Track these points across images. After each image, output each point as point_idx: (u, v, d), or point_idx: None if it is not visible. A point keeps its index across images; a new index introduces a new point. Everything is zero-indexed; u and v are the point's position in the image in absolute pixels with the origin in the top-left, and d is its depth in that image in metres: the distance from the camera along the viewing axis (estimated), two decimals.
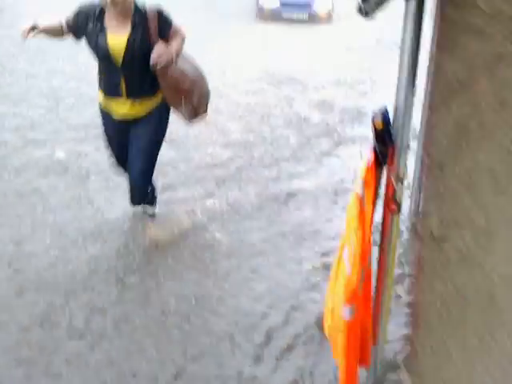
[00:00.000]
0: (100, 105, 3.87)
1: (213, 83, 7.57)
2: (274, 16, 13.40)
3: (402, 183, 2.37)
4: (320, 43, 11.31)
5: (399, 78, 2.17)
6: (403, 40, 2.08)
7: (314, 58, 9.85)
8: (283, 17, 13.39)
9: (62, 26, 3.65)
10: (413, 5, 1.99)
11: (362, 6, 1.43)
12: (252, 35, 11.84)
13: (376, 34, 11.90)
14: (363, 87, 8.26)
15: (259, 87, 8.08)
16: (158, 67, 3.51)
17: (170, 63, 3.55)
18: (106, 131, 3.95)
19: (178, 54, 3.63)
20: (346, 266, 2.20)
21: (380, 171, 2.28)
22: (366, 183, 2.18)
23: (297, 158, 5.67)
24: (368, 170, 2.21)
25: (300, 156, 5.71)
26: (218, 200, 4.67)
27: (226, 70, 8.76)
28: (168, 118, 3.91)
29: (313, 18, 13.48)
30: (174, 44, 3.62)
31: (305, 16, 13.48)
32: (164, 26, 3.63)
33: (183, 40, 3.71)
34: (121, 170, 4.10)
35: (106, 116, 3.87)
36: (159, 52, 3.50)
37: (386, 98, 7.13)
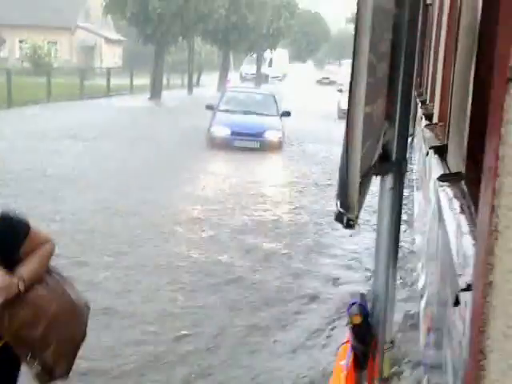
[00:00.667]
0: None
1: (155, 222, 7.13)
2: (225, 144, 13.48)
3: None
4: (271, 178, 11.05)
5: (377, 260, 1.80)
6: (380, 219, 1.73)
7: (266, 200, 9.10)
8: (235, 145, 13.48)
9: None
10: (390, 180, 1.67)
11: (345, 214, 1.05)
12: (202, 165, 11.66)
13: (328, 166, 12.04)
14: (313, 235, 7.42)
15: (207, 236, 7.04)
16: None
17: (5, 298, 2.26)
18: None
19: (32, 281, 2.33)
20: None
21: (362, 374, 1.84)
22: None
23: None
24: (348, 376, 1.75)
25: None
26: None
27: (171, 207, 8.18)
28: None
29: (264, 146, 13.62)
30: (25, 268, 2.32)
31: (256, 144, 13.62)
32: (7, 241, 2.33)
33: (45, 257, 2.42)
34: None
35: None
36: None
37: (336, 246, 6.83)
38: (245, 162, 12.03)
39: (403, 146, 1.70)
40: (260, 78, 42.50)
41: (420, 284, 5.14)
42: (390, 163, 1.66)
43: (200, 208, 8.26)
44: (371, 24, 1.11)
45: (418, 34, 1.69)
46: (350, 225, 1.08)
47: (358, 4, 1.07)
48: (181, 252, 6.31)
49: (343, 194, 1.08)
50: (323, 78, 50.24)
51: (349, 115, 1.06)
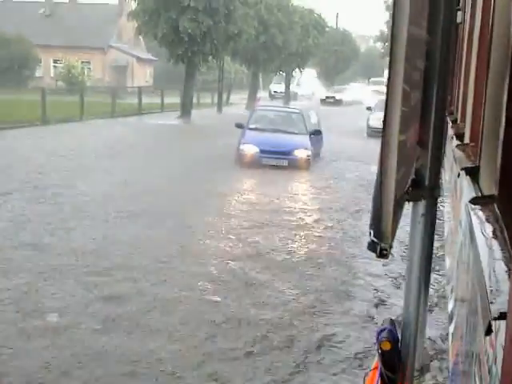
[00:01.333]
0: None
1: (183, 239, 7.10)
2: (254, 162, 13.55)
3: None
4: (302, 201, 10.60)
5: (408, 287, 1.78)
6: (411, 245, 1.72)
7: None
8: (263, 163, 13.54)
9: None
10: (422, 206, 1.66)
11: (379, 244, 1.06)
12: (228, 185, 11.58)
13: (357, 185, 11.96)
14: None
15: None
16: None
17: None
18: None
19: None
20: None
21: None
22: None
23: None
24: None
25: None
26: None
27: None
28: None
29: (292, 164, 13.66)
30: None
31: (285, 162, 13.65)
32: None
33: None
34: None
35: None
36: None
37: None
38: (273, 182, 12.00)
39: (436, 172, 1.69)
40: (289, 97, 42.70)
41: (450, 307, 5.04)
42: (423, 189, 1.65)
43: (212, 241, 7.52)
44: (405, 54, 1.12)
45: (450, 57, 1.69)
46: (383, 254, 1.08)
47: (392, 35, 1.08)
48: None
49: (377, 222, 1.08)
50: (327, 98, 47.45)
51: (383, 144, 1.07)
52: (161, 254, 6.65)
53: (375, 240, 1.07)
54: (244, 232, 7.93)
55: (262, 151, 13.66)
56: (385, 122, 1.04)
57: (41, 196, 9.49)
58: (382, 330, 1.77)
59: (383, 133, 1.05)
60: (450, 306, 5.04)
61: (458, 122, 7.24)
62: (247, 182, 12.41)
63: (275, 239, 7.69)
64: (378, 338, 1.76)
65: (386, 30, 49.82)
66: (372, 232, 1.08)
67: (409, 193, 1.57)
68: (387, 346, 1.74)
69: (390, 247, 1.09)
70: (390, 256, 1.15)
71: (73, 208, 8.76)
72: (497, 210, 2.77)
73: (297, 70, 42.52)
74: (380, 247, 1.07)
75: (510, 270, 1.80)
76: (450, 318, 4.74)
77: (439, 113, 1.62)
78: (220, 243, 7.35)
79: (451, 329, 4.48)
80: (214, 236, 7.68)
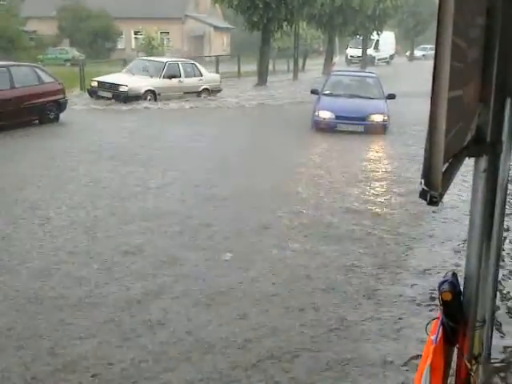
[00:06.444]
0: None
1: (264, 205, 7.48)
2: (329, 128, 13.50)
3: (478, 362, 1.96)
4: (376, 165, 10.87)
5: (469, 241, 1.84)
6: (473, 200, 1.77)
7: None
8: (339, 129, 13.47)
9: None
10: (484, 162, 1.70)
11: (429, 192, 1.14)
12: (305, 146, 12.04)
13: None
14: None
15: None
16: None
17: None
18: None
19: None
20: None
21: (451, 350, 1.90)
22: (433, 369, 1.79)
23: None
24: (436, 350, 1.82)
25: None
26: None
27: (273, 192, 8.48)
28: None
29: (368, 130, 13.48)
30: None
31: (360, 128, 13.49)
32: None
33: None
34: None
35: None
36: None
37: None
38: (345, 149, 12.02)
39: (498, 128, 1.72)
40: (366, 61, 41.60)
41: None
42: (484, 145, 1.69)
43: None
44: (459, 9, 1.17)
45: None
46: (433, 201, 1.16)
47: None
48: None
49: (427, 173, 1.16)
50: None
51: (432, 98, 1.14)
52: None
53: (425, 188, 1.15)
54: None
55: (337, 117, 13.56)
56: (434, 76, 1.11)
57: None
58: (443, 282, 1.85)
59: (432, 88, 1.12)
60: None
61: None
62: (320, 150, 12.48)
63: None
64: (439, 290, 1.84)
65: None
66: (423, 181, 1.16)
67: (469, 148, 1.62)
68: (448, 297, 1.82)
69: (441, 196, 1.17)
70: None
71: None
72: None
73: (374, 33, 41.16)
74: (430, 195, 1.15)
75: None
76: None
77: (501, 71, 1.64)
78: None
79: None
80: None
